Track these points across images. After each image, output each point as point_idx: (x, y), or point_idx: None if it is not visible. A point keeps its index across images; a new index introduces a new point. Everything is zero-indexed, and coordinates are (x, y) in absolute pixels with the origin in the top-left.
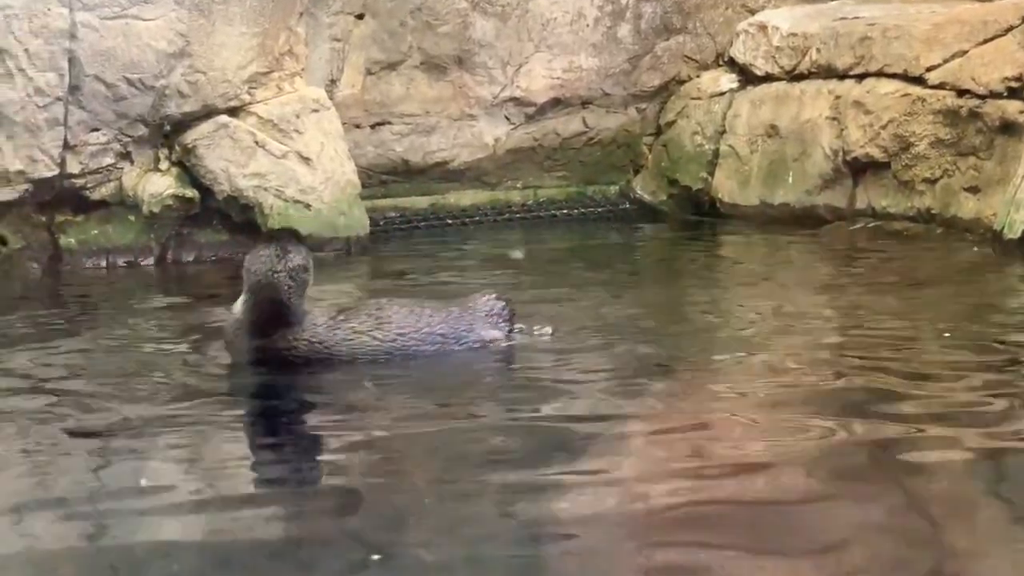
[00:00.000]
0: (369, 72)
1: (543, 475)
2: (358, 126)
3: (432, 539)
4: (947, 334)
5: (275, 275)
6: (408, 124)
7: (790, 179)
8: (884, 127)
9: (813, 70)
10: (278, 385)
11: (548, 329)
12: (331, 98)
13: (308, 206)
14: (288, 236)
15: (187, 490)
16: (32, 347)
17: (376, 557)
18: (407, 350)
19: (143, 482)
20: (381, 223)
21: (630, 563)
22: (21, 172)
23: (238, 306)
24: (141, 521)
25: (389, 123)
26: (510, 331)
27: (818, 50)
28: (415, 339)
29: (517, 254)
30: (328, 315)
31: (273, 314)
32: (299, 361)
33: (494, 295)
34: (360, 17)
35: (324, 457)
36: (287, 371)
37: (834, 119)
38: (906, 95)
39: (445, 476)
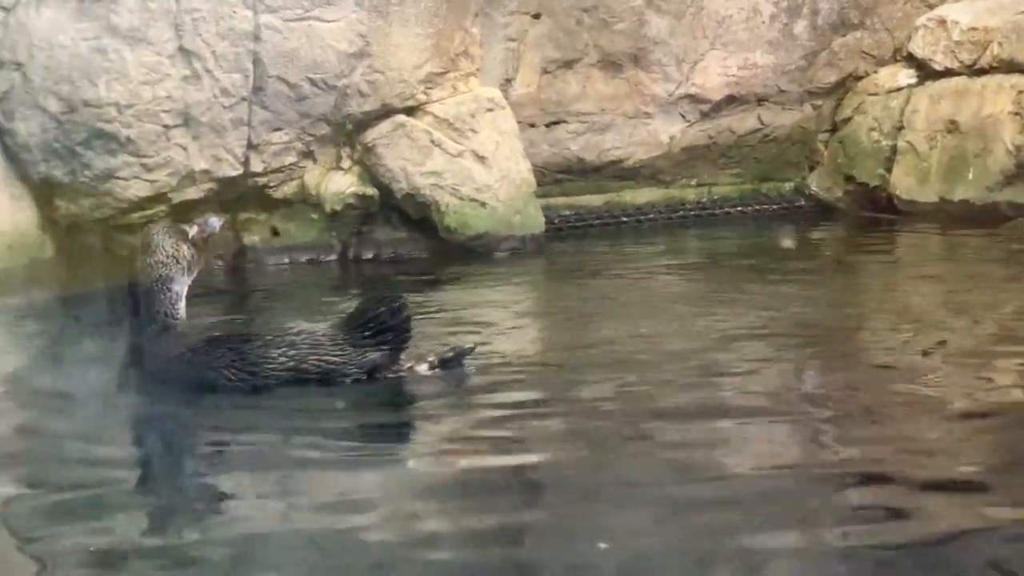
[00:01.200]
0: (545, 71)
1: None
2: (533, 125)
3: (651, 528)
4: None
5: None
6: (583, 122)
7: (970, 175)
8: None
9: (995, 64)
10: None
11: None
12: (506, 97)
13: (483, 204)
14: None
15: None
16: None
17: (603, 546)
18: (259, 389)
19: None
20: (556, 221)
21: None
22: (206, 171)
23: None
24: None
25: (564, 121)
26: (394, 351)
27: (1000, 44)
28: (268, 379)
29: (788, 243)
30: (187, 343)
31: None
32: (135, 371)
33: (383, 305)
34: (536, 17)
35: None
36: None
37: (1017, 114)
38: None
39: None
